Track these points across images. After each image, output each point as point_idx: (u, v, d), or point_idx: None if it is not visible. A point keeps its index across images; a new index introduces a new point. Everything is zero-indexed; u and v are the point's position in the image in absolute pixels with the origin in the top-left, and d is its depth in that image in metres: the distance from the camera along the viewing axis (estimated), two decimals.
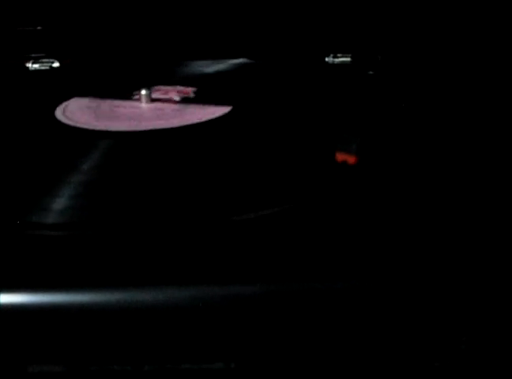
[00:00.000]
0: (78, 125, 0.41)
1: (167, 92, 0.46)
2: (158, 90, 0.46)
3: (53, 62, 0.57)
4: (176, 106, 0.43)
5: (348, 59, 0.54)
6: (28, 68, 0.56)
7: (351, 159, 0.34)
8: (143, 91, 0.44)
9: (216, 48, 0.54)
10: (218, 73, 0.51)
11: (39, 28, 0.58)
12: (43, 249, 0.29)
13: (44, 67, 0.56)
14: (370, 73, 0.50)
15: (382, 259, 0.28)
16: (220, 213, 0.31)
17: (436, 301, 0.27)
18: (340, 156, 0.34)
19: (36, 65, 0.56)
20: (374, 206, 0.31)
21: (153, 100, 0.45)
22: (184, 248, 0.29)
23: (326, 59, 0.55)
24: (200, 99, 0.44)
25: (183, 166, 0.36)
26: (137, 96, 0.45)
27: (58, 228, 0.31)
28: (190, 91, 0.46)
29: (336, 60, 0.55)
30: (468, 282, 0.28)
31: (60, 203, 0.33)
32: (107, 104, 0.45)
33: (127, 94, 0.46)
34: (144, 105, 0.44)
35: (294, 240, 0.29)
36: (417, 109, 0.42)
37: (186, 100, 0.45)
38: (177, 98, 0.45)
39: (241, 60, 0.53)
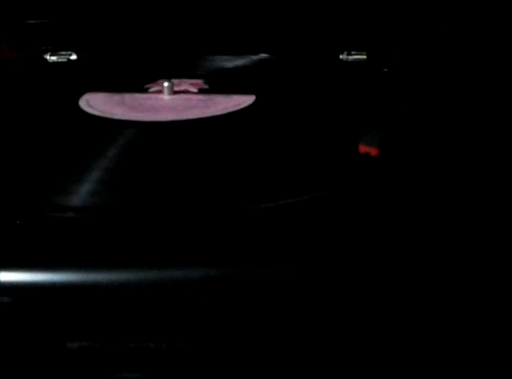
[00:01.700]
0: (107, 115, 0.42)
1: (180, 84, 0.47)
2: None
3: (70, 55, 0.58)
4: (201, 97, 0.44)
5: (363, 57, 0.55)
6: (46, 60, 0.57)
7: (373, 152, 0.34)
8: (165, 84, 0.45)
9: (236, 44, 0.55)
10: (238, 68, 0.52)
11: (56, 20, 0.59)
12: (67, 230, 0.30)
13: (62, 59, 0.57)
14: (385, 70, 0.51)
15: (401, 250, 0.29)
16: (240, 202, 0.32)
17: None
18: (363, 148, 0.35)
19: (54, 58, 0.57)
20: (394, 198, 0.32)
21: (175, 92, 0.46)
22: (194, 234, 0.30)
23: (341, 57, 0.56)
24: (220, 90, 0.45)
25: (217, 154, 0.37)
26: (154, 88, 0.46)
27: (80, 211, 0.32)
28: (199, 83, 0.47)
29: (351, 57, 0.55)
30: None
31: (82, 187, 0.34)
32: (130, 96, 0.46)
33: (147, 86, 0.47)
34: (167, 97, 0.45)
35: (308, 231, 0.30)
36: (436, 104, 0.42)
37: (203, 91, 0.46)
38: (194, 89, 0.46)
39: (259, 56, 0.54)
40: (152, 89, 0.46)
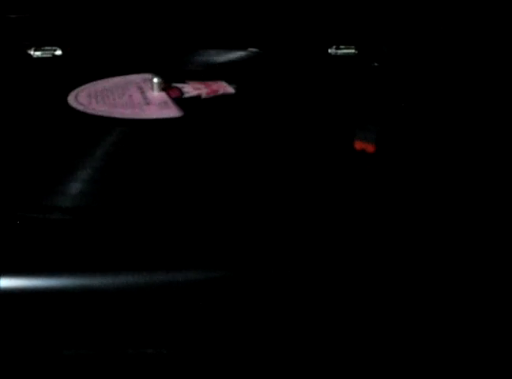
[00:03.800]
0: (92, 111, 0.42)
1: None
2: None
3: (55, 50, 0.57)
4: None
5: (352, 51, 0.55)
6: (31, 55, 0.56)
7: (369, 148, 0.34)
8: (155, 80, 0.44)
9: (224, 39, 0.55)
10: (226, 63, 0.52)
11: (41, 15, 0.58)
12: (53, 232, 0.29)
13: (46, 55, 0.56)
14: (375, 64, 0.51)
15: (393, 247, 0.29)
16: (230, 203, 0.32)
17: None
18: (359, 145, 0.34)
19: (38, 53, 0.56)
20: (391, 195, 0.32)
21: (163, 90, 0.45)
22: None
23: (329, 51, 0.55)
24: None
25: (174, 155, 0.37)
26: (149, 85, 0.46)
27: (67, 212, 0.31)
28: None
29: (340, 51, 0.55)
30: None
31: (67, 188, 0.33)
32: (117, 91, 0.45)
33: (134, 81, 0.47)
34: (156, 93, 0.44)
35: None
36: (431, 100, 0.42)
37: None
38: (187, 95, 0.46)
39: (248, 50, 0.54)
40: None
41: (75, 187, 0.33)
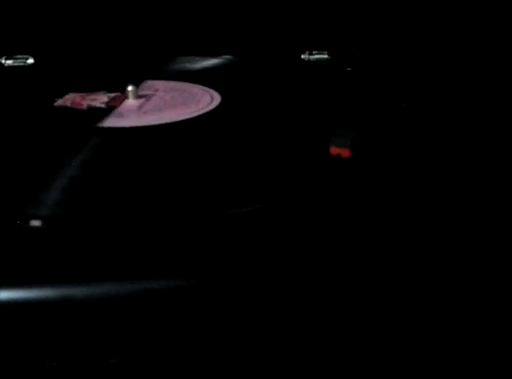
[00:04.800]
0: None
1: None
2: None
3: (27, 58, 0.56)
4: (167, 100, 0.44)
5: (325, 56, 0.55)
6: (2, 64, 0.56)
7: (345, 153, 0.34)
8: (130, 87, 0.44)
9: (197, 46, 0.55)
10: (200, 71, 0.52)
11: (14, 23, 0.58)
12: (37, 241, 0.29)
13: (18, 63, 0.56)
14: (349, 69, 0.51)
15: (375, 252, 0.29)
16: (211, 207, 0.32)
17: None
18: (335, 150, 0.34)
19: (10, 61, 0.56)
20: (369, 199, 0.32)
21: (139, 96, 0.45)
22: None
23: (302, 56, 0.56)
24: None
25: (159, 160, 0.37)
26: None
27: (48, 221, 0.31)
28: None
29: (312, 57, 0.55)
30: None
31: (54, 196, 0.33)
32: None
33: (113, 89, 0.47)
34: (131, 101, 0.44)
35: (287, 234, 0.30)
36: (409, 104, 0.43)
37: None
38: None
39: (222, 57, 0.54)
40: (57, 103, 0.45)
41: (58, 196, 0.33)
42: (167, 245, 0.29)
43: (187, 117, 0.42)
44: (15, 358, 0.26)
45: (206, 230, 0.29)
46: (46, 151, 0.38)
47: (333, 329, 0.28)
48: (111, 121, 0.41)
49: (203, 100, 0.44)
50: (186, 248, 0.28)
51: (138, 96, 0.45)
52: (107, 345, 0.26)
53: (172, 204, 0.32)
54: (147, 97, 0.45)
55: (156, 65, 0.53)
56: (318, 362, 0.28)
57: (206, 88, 0.47)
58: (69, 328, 0.26)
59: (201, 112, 0.42)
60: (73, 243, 0.29)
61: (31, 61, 0.56)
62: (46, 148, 0.39)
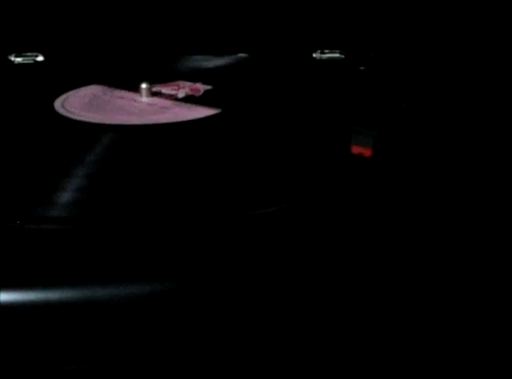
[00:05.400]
0: (78, 118, 0.41)
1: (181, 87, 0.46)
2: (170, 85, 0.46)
3: (37, 56, 0.56)
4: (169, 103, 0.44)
5: (337, 55, 0.55)
6: (12, 61, 0.55)
7: (367, 152, 0.34)
8: (143, 85, 0.44)
9: (209, 45, 0.54)
10: (212, 69, 0.51)
11: (23, 21, 0.57)
12: (43, 243, 0.29)
13: (28, 61, 0.55)
14: (362, 68, 0.51)
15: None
16: (227, 208, 0.31)
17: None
18: (356, 149, 0.34)
19: (19, 59, 0.55)
20: (393, 199, 0.32)
21: (153, 94, 0.44)
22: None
23: (314, 55, 0.55)
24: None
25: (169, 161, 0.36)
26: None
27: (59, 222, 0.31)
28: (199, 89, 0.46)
29: (324, 56, 0.55)
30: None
31: (62, 197, 0.32)
32: (106, 97, 0.45)
33: (124, 87, 0.46)
34: (143, 99, 0.44)
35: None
36: (427, 103, 0.42)
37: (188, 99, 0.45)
38: (181, 95, 0.45)
39: (235, 55, 0.54)
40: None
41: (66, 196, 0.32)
42: (180, 246, 0.28)
43: (207, 114, 0.41)
44: (15, 358, 0.26)
45: (225, 232, 0.29)
46: (52, 151, 0.38)
47: (347, 330, 0.27)
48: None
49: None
50: (195, 249, 0.28)
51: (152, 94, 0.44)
52: (112, 347, 0.26)
53: (189, 205, 0.32)
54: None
55: (165, 63, 0.53)
56: (322, 363, 0.28)
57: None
58: (72, 330, 0.26)
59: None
60: (82, 244, 0.28)
61: (40, 58, 0.56)
62: (53, 148, 0.38)
